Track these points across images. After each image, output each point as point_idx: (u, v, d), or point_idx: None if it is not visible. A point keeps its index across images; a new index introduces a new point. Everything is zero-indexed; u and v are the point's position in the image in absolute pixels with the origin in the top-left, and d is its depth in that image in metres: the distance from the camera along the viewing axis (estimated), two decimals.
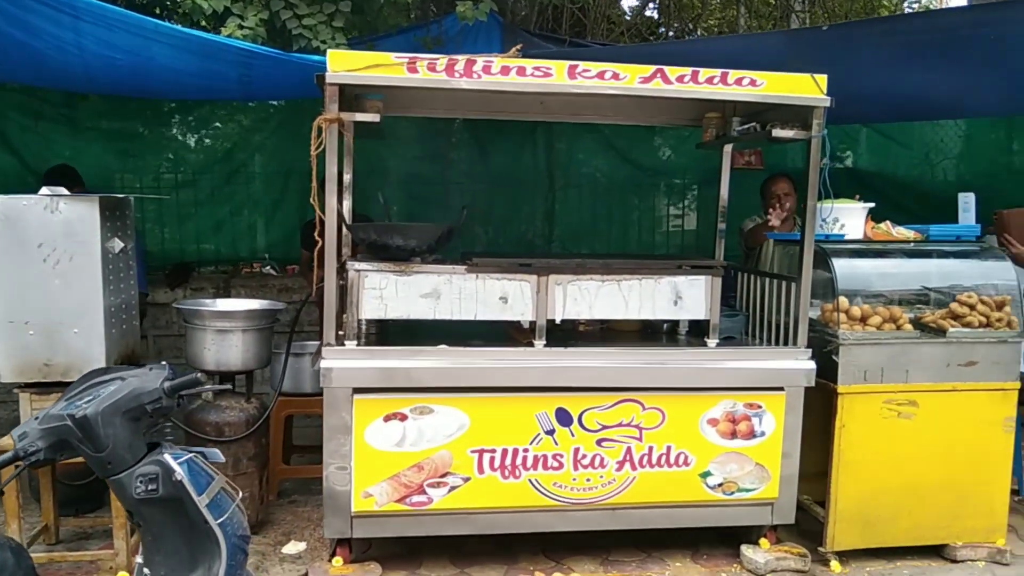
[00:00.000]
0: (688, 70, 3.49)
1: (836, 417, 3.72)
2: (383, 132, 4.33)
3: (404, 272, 3.59)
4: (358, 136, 4.11)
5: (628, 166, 6.50)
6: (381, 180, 6.03)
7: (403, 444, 3.46)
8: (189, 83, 4.34)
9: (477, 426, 3.50)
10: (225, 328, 3.87)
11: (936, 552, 3.93)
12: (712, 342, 3.86)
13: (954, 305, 3.86)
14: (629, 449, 3.62)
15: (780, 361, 3.72)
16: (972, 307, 3.84)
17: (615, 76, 3.45)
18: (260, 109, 6.01)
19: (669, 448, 3.64)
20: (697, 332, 3.99)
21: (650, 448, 3.63)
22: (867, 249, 4.01)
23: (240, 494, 2.64)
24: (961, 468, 3.83)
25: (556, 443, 3.57)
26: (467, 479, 3.53)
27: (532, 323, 3.66)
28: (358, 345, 3.56)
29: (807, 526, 4.03)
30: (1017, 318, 3.88)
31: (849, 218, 4.09)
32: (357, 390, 3.43)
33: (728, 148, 4.54)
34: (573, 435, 3.57)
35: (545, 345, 3.66)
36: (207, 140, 6.06)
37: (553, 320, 3.73)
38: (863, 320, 3.78)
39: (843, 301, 3.76)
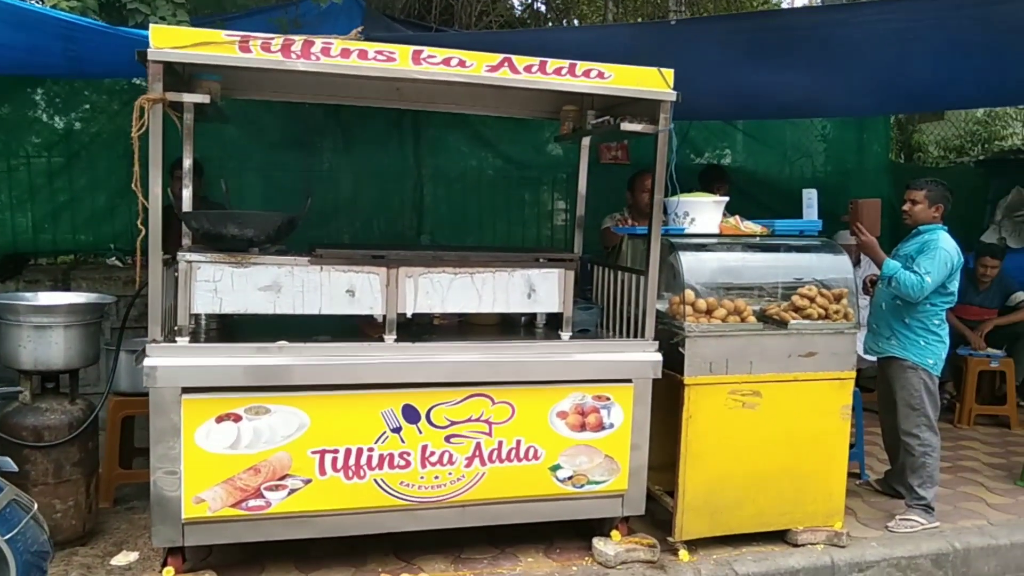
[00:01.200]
0: (536, 60, 3.44)
1: (683, 408, 3.76)
2: (227, 115, 4.10)
3: (240, 263, 3.39)
4: (206, 120, 3.87)
5: (498, 159, 6.46)
6: (238, 167, 5.76)
7: (238, 446, 3.28)
8: (7, 56, 3.96)
9: (318, 426, 3.35)
10: (43, 324, 3.56)
11: (780, 537, 4.04)
12: (566, 335, 3.83)
13: (795, 298, 3.98)
14: (479, 445, 3.55)
15: (628, 353, 3.74)
16: (812, 299, 3.96)
17: (461, 63, 3.36)
18: (102, 87, 5.61)
19: (519, 442, 3.60)
20: (555, 325, 3.95)
21: (500, 443, 3.57)
22: (715, 243, 4.08)
23: (36, 506, 2.42)
24: (802, 455, 3.96)
25: (403, 441, 3.46)
26: (308, 481, 3.37)
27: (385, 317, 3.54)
28: (191, 342, 3.34)
29: (660, 516, 4.08)
30: (853, 310, 4.03)
31: (700, 212, 4.16)
32: (187, 390, 3.22)
33: (586, 141, 4.52)
34: (421, 432, 3.47)
35: (396, 340, 3.55)
36: (45, 119, 5.62)
37: (405, 314, 3.63)
38: (709, 313, 3.84)
39: (689, 294, 3.81)
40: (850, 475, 4.73)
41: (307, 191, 5.60)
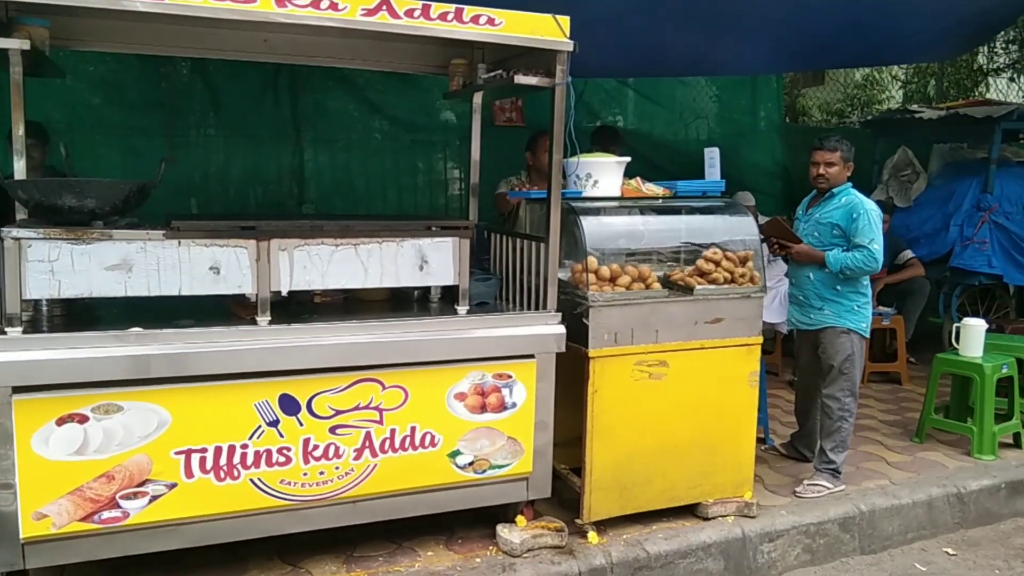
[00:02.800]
0: (419, 3, 3.08)
1: (588, 382, 3.53)
2: (61, 69, 3.57)
3: (81, 239, 2.91)
4: (41, 75, 3.35)
5: (386, 122, 6.05)
6: (91, 132, 5.15)
7: (85, 451, 2.83)
8: None
9: (181, 423, 2.94)
10: None
11: (691, 511, 3.89)
12: (462, 309, 3.53)
13: (700, 262, 3.80)
14: (368, 434, 3.21)
15: (530, 327, 3.46)
16: (717, 263, 3.79)
17: (333, 6, 2.96)
18: None
19: (414, 429, 3.28)
20: (451, 299, 3.65)
21: (392, 431, 3.25)
22: (617, 206, 3.85)
23: None
24: (710, 425, 3.81)
25: (282, 435, 3.08)
26: (173, 485, 2.96)
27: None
28: (26, 333, 2.86)
29: (568, 495, 3.86)
30: (759, 273, 3.89)
31: (603, 174, 3.91)
32: (18, 389, 2.74)
33: (478, 100, 4.19)
34: (301, 424, 3.10)
35: (271, 322, 3.16)
36: None
37: (280, 293, 3.24)
38: (613, 280, 3.61)
39: (592, 261, 3.56)
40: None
41: (168, 157, 5.11)
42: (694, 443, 3.79)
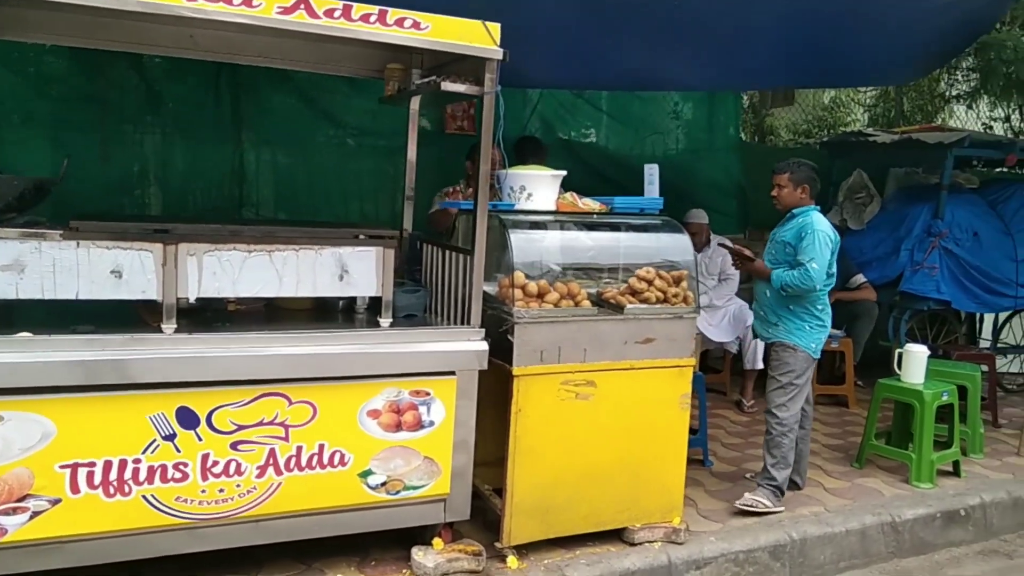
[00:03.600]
0: (339, 3, 2.96)
1: (512, 401, 3.41)
2: None
3: None
4: None
5: (333, 126, 5.89)
6: (18, 124, 4.95)
7: None
8: None
9: (68, 435, 2.77)
10: None
11: (617, 536, 3.78)
12: (385, 321, 3.40)
13: (632, 280, 3.70)
14: (273, 451, 3.06)
15: (451, 343, 3.34)
16: (650, 282, 3.69)
17: (247, 2, 2.83)
18: None
19: (322, 447, 3.14)
20: (378, 309, 3.52)
21: (299, 448, 3.10)
22: (550, 220, 3.75)
23: None
24: (639, 448, 3.70)
25: (178, 450, 2.92)
26: (57, 501, 2.79)
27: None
28: None
29: (493, 516, 3.73)
30: (692, 293, 3.80)
31: (539, 187, 3.80)
32: None
33: (414, 106, 4.08)
34: (200, 439, 2.95)
35: (176, 330, 3.00)
36: None
37: (189, 300, 3.10)
38: (541, 296, 3.49)
39: (519, 276, 3.45)
40: (693, 462, 4.58)
41: (102, 154, 4.93)
42: (621, 466, 3.68)
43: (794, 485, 4.46)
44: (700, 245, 6.37)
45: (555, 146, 6.59)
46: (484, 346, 3.34)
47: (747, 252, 4.57)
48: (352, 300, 3.72)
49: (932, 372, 5.00)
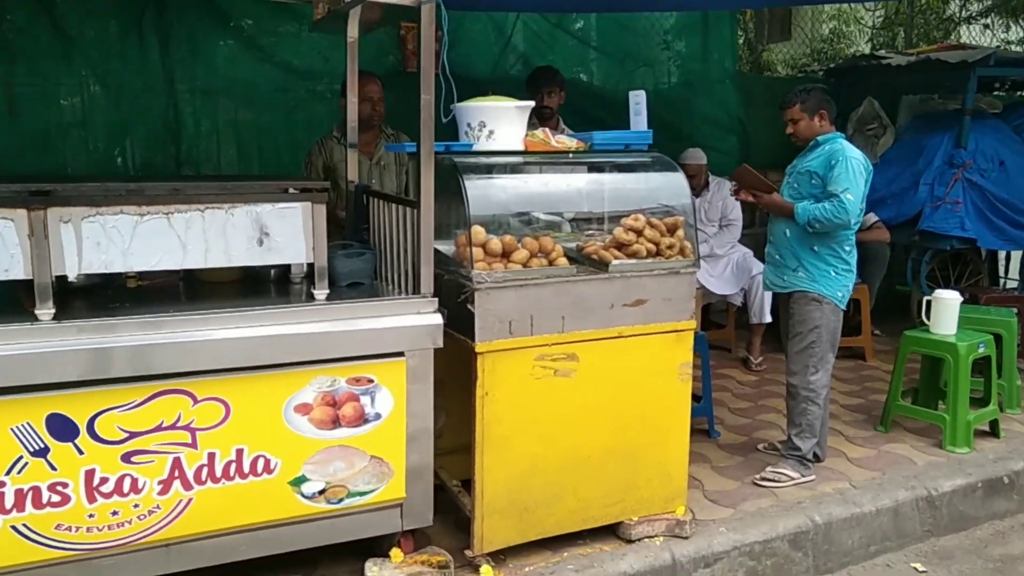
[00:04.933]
0: None
1: (476, 383, 2.82)
2: None
3: None
4: None
5: (276, 69, 5.19)
6: None
7: None
8: None
9: None
10: None
11: (612, 533, 3.22)
12: (320, 293, 2.80)
13: (618, 231, 3.08)
14: (178, 461, 2.48)
15: (397, 317, 2.73)
16: (639, 232, 3.08)
17: None
18: None
19: (240, 453, 2.55)
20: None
21: (210, 456, 2.51)
22: (515, 163, 3.11)
23: None
24: (633, 429, 3.12)
25: (53, 467, 2.34)
26: None
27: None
28: None
29: (465, 515, 3.16)
30: (691, 243, 3.18)
31: (500, 123, 3.15)
32: None
33: (353, 33, 3.41)
34: (81, 452, 2.36)
35: (55, 316, 2.40)
36: None
37: (66, 278, 2.51)
38: (506, 255, 2.88)
39: (478, 232, 2.83)
40: (696, 433, 4.02)
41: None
42: (612, 452, 3.10)
43: (814, 457, 3.90)
44: (698, 188, 5.74)
45: None
46: (438, 319, 2.73)
47: (766, 181, 3.91)
48: (287, 268, 3.12)
49: (962, 320, 4.41)
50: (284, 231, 2.78)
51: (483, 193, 2.89)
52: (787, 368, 3.79)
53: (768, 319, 5.63)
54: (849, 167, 3.51)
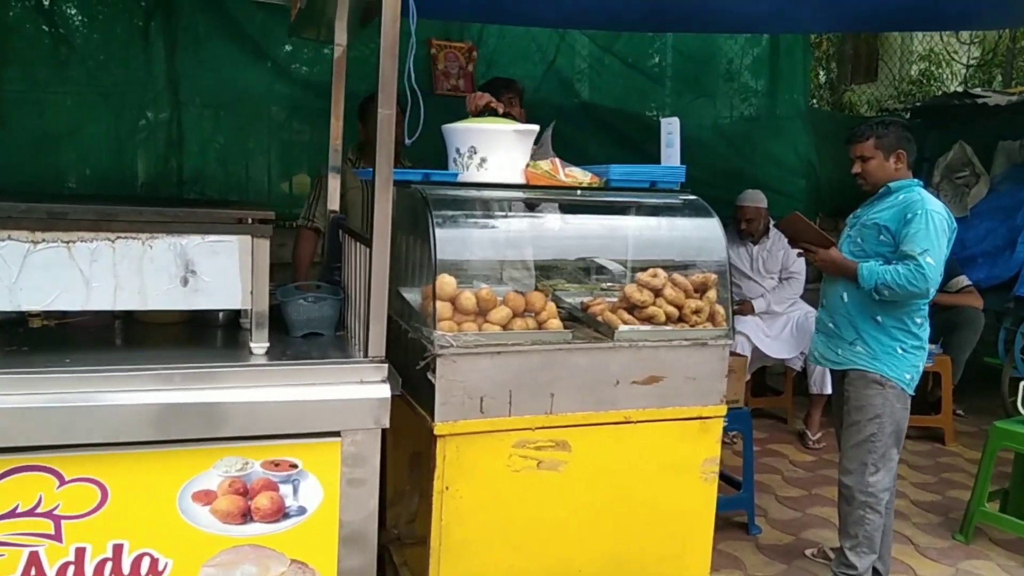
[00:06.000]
0: None
1: (435, 473, 2.23)
2: None
3: None
4: None
5: (289, 83, 4.78)
6: None
7: None
8: None
9: None
10: None
11: None
12: (259, 347, 2.27)
13: (630, 289, 2.47)
14: (35, 557, 1.95)
15: (333, 387, 2.16)
16: (657, 291, 2.46)
17: None
18: None
19: (119, 549, 2.01)
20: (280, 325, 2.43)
21: (79, 552, 1.98)
22: (507, 198, 2.54)
23: None
24: (639, 539, 2.49)
25: None
26: None
27: None
28: None
29: None
30: (724, 309, 2.54)
31: (495, 149, 2.59)
32: None
33: (341, 41, 2.92)
34: None
35: None
36: None
37: None
38: (482, 313, 2.30)
39: (446, 284, 2.26)
40: (731, 527, 3.36)
41: None
42: (612, 566, 2.47)
43: (875, 574, 3.17)
44: (756, 235, 5.08)
45: (575, 111, 5.38)
46: (384, 392, 2.16)
47: (823, 233, 3.22)
48: (236, 312, 2.62)
49: None
50: (215, 270, 2.26)
51: (459, 235, 2.33)
52: (840, 465, 3.09)
53: (829, 390, 4.87)
54: (930, 223, 2.83)
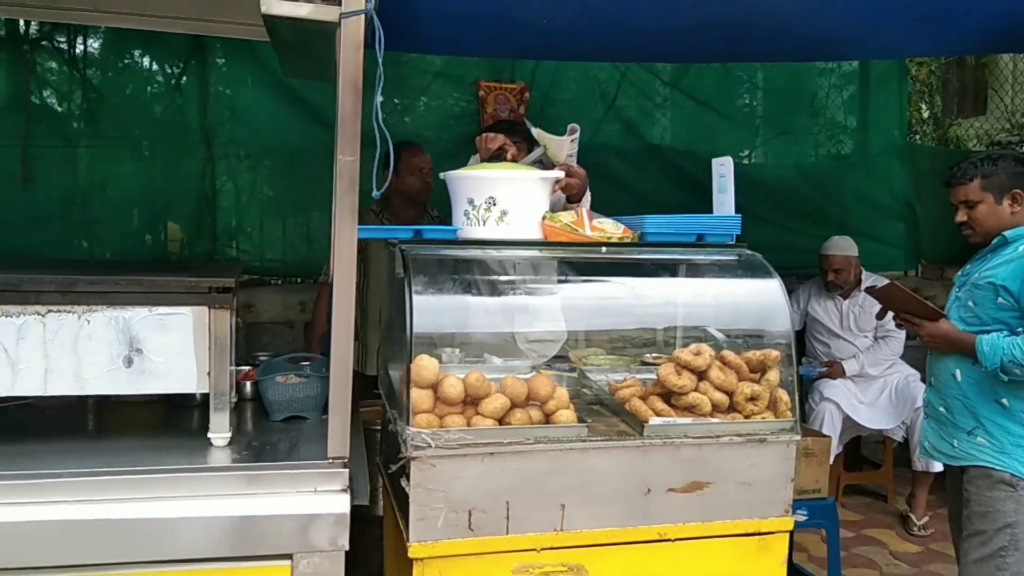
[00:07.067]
0: None
1: None
2: None
3: None
4: None
5: (325, 128, 4.49)
6: None
7: None
8: None
9: None
10: None
11: None
12: (219, 437, 1.91)
13: (666, 370, 1.97)
14: None
15: (284, 497, 1.75)
16: (701, 373, 1.95)
17: None
18: None
19: None
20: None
21: None
22: (515, 258, 2.09)
23: None
24: None
25: None
26: None
27: None
28: None
29: None
30: (788, 394, 2.01)
31: (512, 197, 2.17)
32: None
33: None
34: None
35: None
36: None
37: None
38: (473, 403, 1.85)
39: (424, 367, 1.81)
40: None
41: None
42: None
43: None
44: (846, 287, 4.46)
45: (638, 154, 4.91)
46: (342, 505, 1.72)
47: (928, 303, 2.61)
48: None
49: None
50: (165, 347, 1.93)
51: (449, 304, 1.91)
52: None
53: (938, 468, 4.17)
54: None
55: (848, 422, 4.35)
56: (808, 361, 4.60)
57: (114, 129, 4.16)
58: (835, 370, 4.43)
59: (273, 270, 4.51)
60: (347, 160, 1.73)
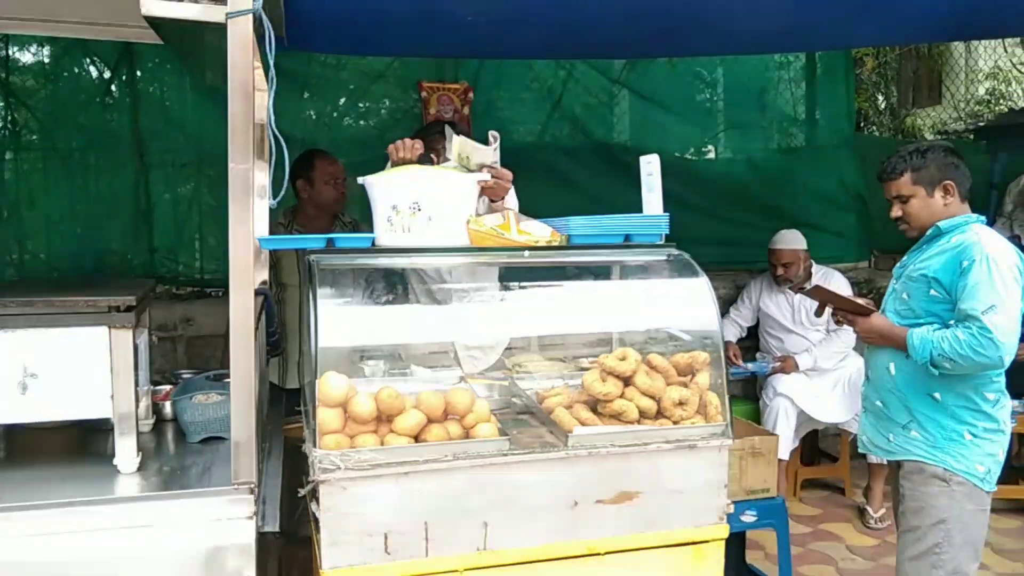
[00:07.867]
0: None
1: None
2: None
3: None
4: None
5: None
6: None
7: None
8: None
9: None
10: None
11: None
12: (126, 463, 1.81)
13: (590, 378, 1.90)
14: None
15: (185, 527, 1.65)
16: (627, 378, 1.88)
17: None
18: None
19: None
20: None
21: None
22: (433, 265, 2.00)
23: None
24: None
25: None
26: None
27: None
28: None
29: None
30: (719, 398, 1.95)
31: (438, 200, 2.08)
32: None
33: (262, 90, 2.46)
34: None
35: None
36: None
37: None
38: (387, 420, 1.76)
39: (331, 385, 1.73)
40: None
41: None
42: None
43: None
44: (797, 281, 4.43)
45: (587, 153, 4.85)
46: (247, 534, 1.63)
47: (857, 300, 2.58)
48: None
49: None
50: (62, 371, 1.82)
51: (346, 316, 1.80)
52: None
53: None
54: (993, 271, 2.19)
55: (803, 416, 4.32)
56: (761, 356, 4.58)
57: (41, 140, 4.02)
58: (788, 365, 4.40)
59: (214, 282, 4.37)
60: (239, 168, 1.63)
